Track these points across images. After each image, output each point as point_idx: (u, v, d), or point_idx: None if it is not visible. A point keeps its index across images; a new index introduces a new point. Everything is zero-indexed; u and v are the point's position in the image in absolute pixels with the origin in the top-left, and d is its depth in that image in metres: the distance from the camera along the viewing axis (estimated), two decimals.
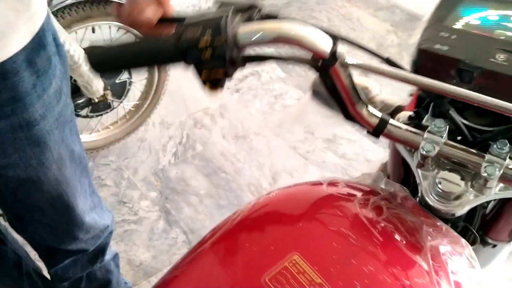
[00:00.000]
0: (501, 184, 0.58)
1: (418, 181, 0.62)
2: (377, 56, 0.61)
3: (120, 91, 1.89)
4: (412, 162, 0.63)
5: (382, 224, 0.57)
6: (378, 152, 2.10)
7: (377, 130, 0.62)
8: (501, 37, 0.55)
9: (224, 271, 0.55)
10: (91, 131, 1.93)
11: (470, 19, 0.58)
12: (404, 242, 0.55)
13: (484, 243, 0.80)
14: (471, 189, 0.58)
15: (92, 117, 1.88)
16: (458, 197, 0.59)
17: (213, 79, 0.58)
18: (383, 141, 2.19)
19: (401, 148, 0.65)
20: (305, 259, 0.52)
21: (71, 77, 1.59)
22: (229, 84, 2.51)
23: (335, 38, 0.57)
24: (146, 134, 2.11)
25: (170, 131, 2.16)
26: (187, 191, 1.88)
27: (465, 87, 0.53)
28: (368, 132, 0.64)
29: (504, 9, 0.58)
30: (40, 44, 0.73)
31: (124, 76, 1.86)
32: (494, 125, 0.60)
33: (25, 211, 0.93)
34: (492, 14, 0.58)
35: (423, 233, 0.57)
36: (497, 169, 0.53)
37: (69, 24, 1.57)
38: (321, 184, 0.66)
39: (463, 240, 0.60)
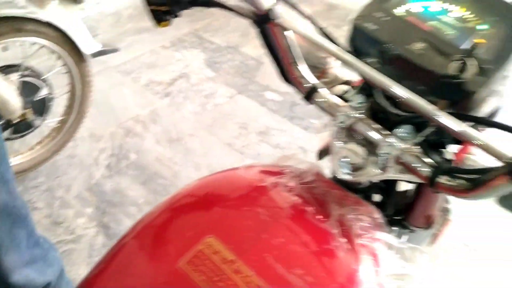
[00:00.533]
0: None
1: (331, 151, 0.65)
2: (314, 24, 0.63)
3: (41, 108, 1.82)
4: (331, 133, 0.66)
5: (293, 199, 0.59)
6: (309, 138, 2.15)
7: (308, 95, 0.65)
8: (428, 29, 0.56)
9: (143, 262, 0.55)
10: (16, 154, 1.85)
11: (413, 6, 0.59)
12: (313, 213, 0.58)
13: (404, 228, 0.85)
14: (373, 164, 0.61)
15: (14, 139, 1.80)
16: (359, 169, 0.62)
17: (159, 13, 0.68)
18: (314, 127, 2.24)
19: (329, 119, 0.67)
20: (220, 240, 0.53)
21: None
22: (158, 88, 2.49)
23: None
24: (76, 150, 2.04)
25: (100, 143, 2.10)
26: (124, 202, 1.84)
27: (385, 69, 0.56)
28: (303, 97, 0.66)
29: (449, 3, 0.58)
30: None
31: (43, 92, 1.79)
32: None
33: None
34: (436, 6, 0.58)
35: (331, 203, 0.60)
36: (393, 150, 0.57)
37: None
38: (237, 169, 0.68)
39: (371, 207, 0.63)
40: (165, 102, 2.40)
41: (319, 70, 0.72)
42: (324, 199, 0.61)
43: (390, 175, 0.62)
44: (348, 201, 0.62)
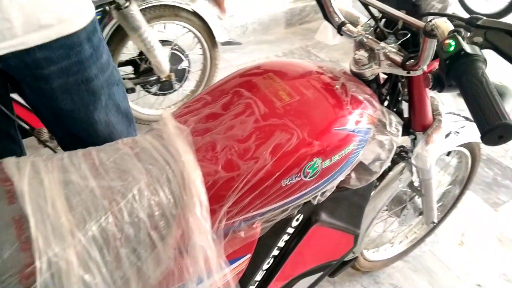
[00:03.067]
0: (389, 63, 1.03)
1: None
2: None
3: (181, 76, 2.47)
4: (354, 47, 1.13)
5: (328, 76, 1.06)
6: None
7: (339, 28, 1.14)
8: None
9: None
10: (157, 108, 2.52)
11: None
12: (329, 79, 1.04)
13: (410, 134, 1.27)
14: (374, 63, 1.07)
15: (159, 95, 2.47)
16: (365, 65, 1.08)
17: None
18: None
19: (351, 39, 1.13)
20: (278, 75, 1.02)
21: (147, 59, 2.20)
22: None
23: None
24: None
25: None
26: None
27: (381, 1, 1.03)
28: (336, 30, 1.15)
29: None
30: (94, 28, 1.01)
31: (184, 64, 2.45)
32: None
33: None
34: None
35: (341, 78, 1.06)
36: (383, 49, 1.02)
37: (149, 19, 2.17)
38: (297, 60, 1.16)
39: (370, 90, 1.08)
40: None
41: (354, 24, 1.20)
42: (340, 77, 1.07)
43: (382, 69, 1.06)
44: (353, 82, 1.07)
